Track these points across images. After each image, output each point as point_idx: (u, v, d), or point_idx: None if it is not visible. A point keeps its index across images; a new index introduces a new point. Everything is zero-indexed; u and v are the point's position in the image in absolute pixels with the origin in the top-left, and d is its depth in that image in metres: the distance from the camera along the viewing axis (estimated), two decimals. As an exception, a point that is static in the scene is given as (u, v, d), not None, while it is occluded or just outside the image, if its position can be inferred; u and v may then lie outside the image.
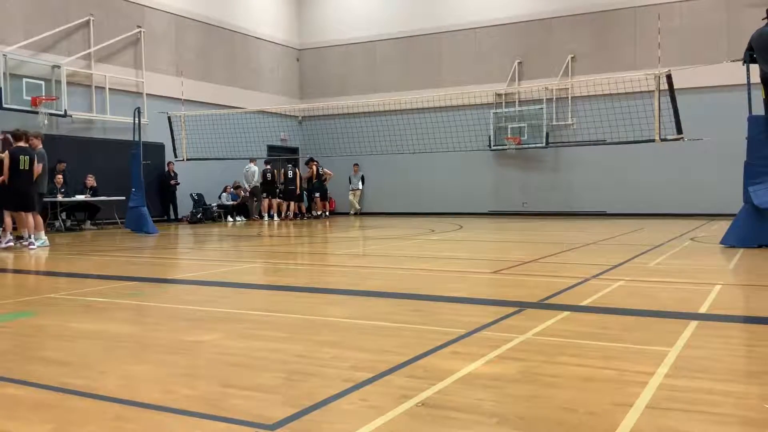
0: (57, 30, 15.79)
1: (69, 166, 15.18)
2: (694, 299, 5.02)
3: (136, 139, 14.03)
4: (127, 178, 14.43)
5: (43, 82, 15.21)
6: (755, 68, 8.94)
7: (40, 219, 10.89)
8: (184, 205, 18.66)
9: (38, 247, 10.51)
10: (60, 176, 14.80)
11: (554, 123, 19.48)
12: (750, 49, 9.02)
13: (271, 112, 20.33)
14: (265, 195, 19.28)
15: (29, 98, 14.79)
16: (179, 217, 18.55)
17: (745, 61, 9.14)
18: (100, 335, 4.04)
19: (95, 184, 15.67)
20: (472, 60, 20.86)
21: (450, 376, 2.98)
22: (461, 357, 3.33)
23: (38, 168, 10.66)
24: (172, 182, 18.07)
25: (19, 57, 14.78)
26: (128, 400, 2.72)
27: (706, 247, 9.35)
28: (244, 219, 19.56)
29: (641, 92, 14.00)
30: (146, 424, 2.47)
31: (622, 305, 4.78)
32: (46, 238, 10.95)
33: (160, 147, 17.77)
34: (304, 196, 20.33)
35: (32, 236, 10.51)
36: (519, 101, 20.04)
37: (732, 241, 8.85)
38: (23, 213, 10.57)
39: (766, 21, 8.90)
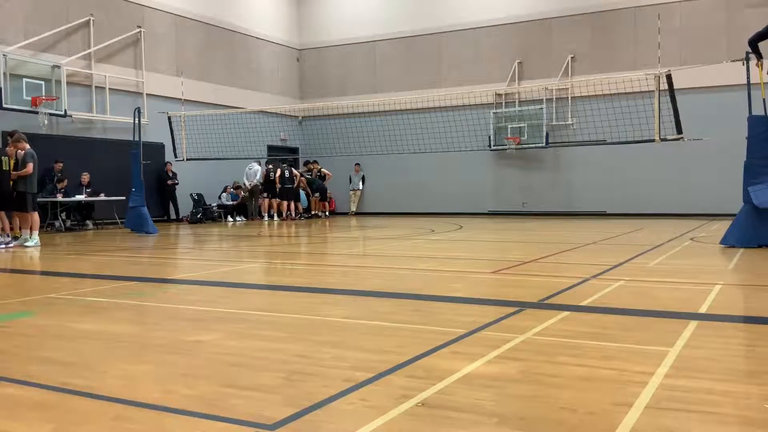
0: (57, 30, 15.78)
1: (69, 167, 15.15)
2: (694, 299, 5.02)
3: (136, 139, 14.04)
4: (127, 178, 14.44)
5: (43, 82, 15.19)
6: (755, 69, 8.95)
7: (24, 218, 10.89)
8: (184, 205, 18.66)
9: (32, 246, 10.65)
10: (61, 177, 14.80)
11: (554, 123, 19.46)
12: (760, 38, 8.92)
13: (271, 112, 20.32)
14: (266, 195, 19.27)
15: (29, 98, 14.77)
16: (179, 217, 18.55)
17: (744, 61, 9.15)
18: (100, 335, 4.04)
19: (89, 181, 15.59)
20: (472, 60, 20.84)
21: (450, 376, 2.98)
22: (461, 357, 3.33)
23: (28, 167, 10.68)
24: (169, 182, 18.06)
25: (19, 57, 14.77)
26: (128, 400, 2.72)
27: (705, 247, 9.35)
28: (244, 219, 19.56)
29: (641, 92, 13.99)
30: (146, 424, 2.48)
31: (622, 305, 4.78)
32: (38, 238, 11.00)
33: (160, 147, 17.77)
34: (303, 195, 20.31)
35: (8, 235, 10.80)
36: (519, 101, 20.03)
37: (732, 241, 8.85)
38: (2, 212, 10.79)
39: None
